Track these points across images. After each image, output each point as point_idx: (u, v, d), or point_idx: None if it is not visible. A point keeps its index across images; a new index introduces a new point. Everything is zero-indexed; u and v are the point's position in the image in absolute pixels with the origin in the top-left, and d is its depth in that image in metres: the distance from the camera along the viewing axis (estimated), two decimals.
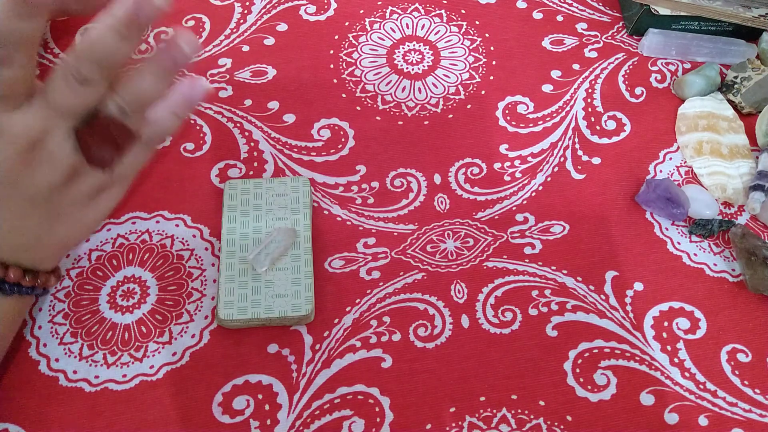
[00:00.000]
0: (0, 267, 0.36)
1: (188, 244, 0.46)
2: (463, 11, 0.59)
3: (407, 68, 0.56)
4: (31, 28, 0.31)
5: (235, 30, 0.57)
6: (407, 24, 0.58)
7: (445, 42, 0.57)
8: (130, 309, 0.44)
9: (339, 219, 0.48)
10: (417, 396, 0.42)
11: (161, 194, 0.48)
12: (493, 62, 0.56)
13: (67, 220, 0.38)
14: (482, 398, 0.42)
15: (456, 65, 0.56)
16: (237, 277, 0.43)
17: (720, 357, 0.44)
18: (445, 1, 0.60)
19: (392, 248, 0.47)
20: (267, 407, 0.41)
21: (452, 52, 0.57)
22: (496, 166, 0.51)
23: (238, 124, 0.52)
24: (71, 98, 0.33)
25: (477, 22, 0.59)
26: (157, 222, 0.47)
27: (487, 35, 0.58)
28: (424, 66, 0.56)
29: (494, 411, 0.41)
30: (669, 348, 0.44)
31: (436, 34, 0.58)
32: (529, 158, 0.51)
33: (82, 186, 0.36)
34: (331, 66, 0.55)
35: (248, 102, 0.53)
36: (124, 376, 0.41)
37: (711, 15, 0.56)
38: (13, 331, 0.40)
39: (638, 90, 0.55)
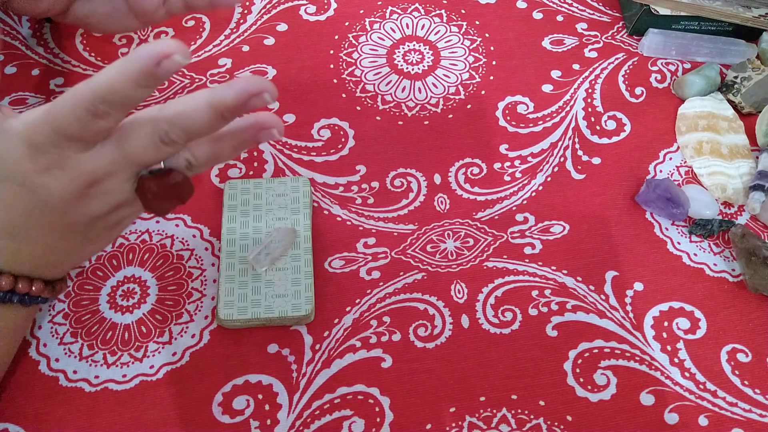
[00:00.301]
0: (26, 282, 0.37)
1: (188, 244, 0.46)
2: (463, 11, 0.59)
3: (407, 68, 0.56)
4: (143, 95, 0.31)
5: (235, 30, 0.57)
6: (407, 24, 0.58)
7: (445, 42, 0.57)
8: (130, 309, 0.44)
9: (339, 219, 0.48)
10: (417, 396, 0.42)
11: None
12: (493, 62, 0.56)
13: (96, 241, 0.38)
14: (482, 398, 0.42)
15: (456, 65, 0.56)
16: (237, 277, 0.43)
17: (720, 357, 0.44)
18: (445, 1, 0.60)
19: (392, 248, 0.47)
20: (267, 407, 0.41)
21: (452, 52, 0.57)
22: (496, 166, 0.51)
23: None
24: (149, 154, 0.33)
25: (477, 22, 0.59)
26: (157, 222, 0.47)
27: (487, 35, 0.58)
28: (424, 66, 0.56)
29: (494, 411, 0.41)
30: (669, 348, 0.44)
31: (436, 34, 0.58)
32: (529, 158, 0.51)
33: (119, 214, 0.36)
34: (331, 66, 0.55)
35: None
36: (124, 376, 0.41)
37: (711, 15, 0.56)
38: (22, 336, 0.41)
39: (638, 90, 0.55)
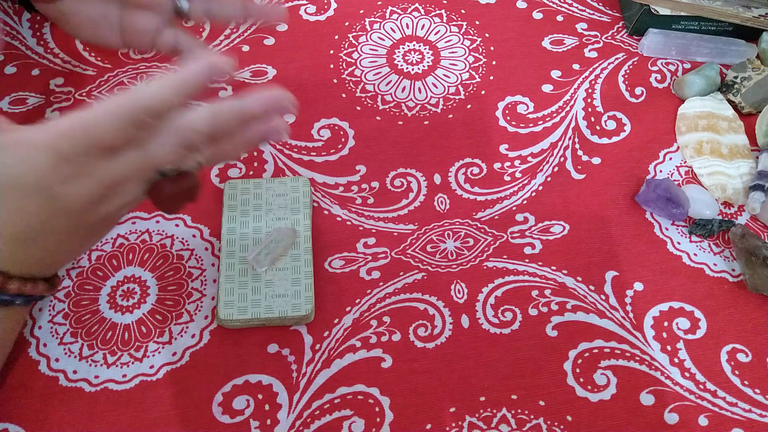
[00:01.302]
0: (29, 282, 0.36)
1: (188, 244, 0.46)
2: (463, 11, 0.59)
3: (407, 68, 0.56)
4: (181, 103, 0.33)
5: (235, 30, 0.57)
6: (407, 24, 0.58)
7: (445, 42, 0.57)
8: (130, 309, 0.44)
9: (339, 219, 0.48)
10: (417, 396, 0.42)
11: None
12: (493, 62, 0.56)
13: (97, 236, 0.39)
14: (482, 398, 0.42)
15: (456, 65, 0.56)
16: (237, 277, 0.43)
17: (720, 357, 0.44)
18: (445, 1, 0.60)
19: (392, 248, 0.47)
20: (267, 407, 0.41)
21: (452, 52, 0.57)
22: (496, 166, 0.51)
23: None
24: (173, 158, 0.35)
25: (477, 22, 0.59)
26: (157, 222, 0.47)
27: (487, 35, 0.58)
28: (424, 66, 0.56)
29: (494, 411, 0.41)
30: (669, 348, 0.44)
31: (436, 34, 0.58)
32: (529, 158, 0.51)
33: (123, 211, 0.37)
34: (331, 66, 0.55)
35: None
36: (124, 376, 0.41)
37: (711, 15, 0.56)
38: (17, 334, 0.41)
39: (638, 90, 0.55)
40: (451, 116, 0.53)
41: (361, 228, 0.48)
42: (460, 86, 0.55)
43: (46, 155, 0.32)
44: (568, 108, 0.54)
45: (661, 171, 0.51)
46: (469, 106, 0.54)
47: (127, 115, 0.32)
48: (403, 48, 0.57)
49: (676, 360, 0.43)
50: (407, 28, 0.58)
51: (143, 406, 0.40)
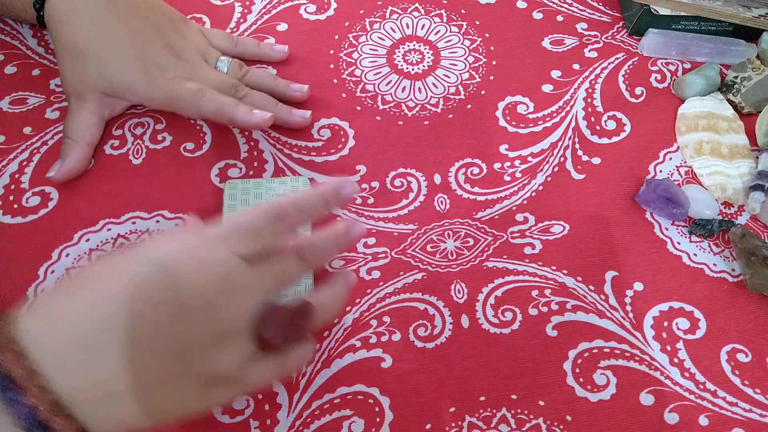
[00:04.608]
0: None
1: None
2: (463, 11, 0.59)
3: (407, 68, 0.56)
4: (320, 212, 0.37)
5: (235, 30, 0.57)
6: (407, 24, 0.58)
7: (445, 42, 0.57)
8: None
9: (339, 219, 0.48)
10: (417, 396, 0.42)
11: (161, 194, 0.48)
12: (493, 62, 0.56)
13: (178, 392, 0.32)
14: (482, 398, 0.42)
15: (456, 65, 0.56)
16: None
17: (720, 357, 0.44)
18: (445, 1, 0.60)
19: (392, 248, 0.47)
20: (267, 407, 0.41)
21: (452, 52, 0.57)
22: (496, 166, 0.51)
23: None
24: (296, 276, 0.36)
25: (477, 22, 0.59)
26: (157, 222, 0.47)
27: (487, 35, 0.58)
28: (424, 66, 0.56)
29: (494, 411, 0.41)
30: (669, 348, 0.44)
31: (436, 34, 0.58)
32: (529, 158, 0.51)
33: (216, 366, 0.32)
34: (331, 66, 0.55)
35: None
36: None
37: (711, 15, 0.56)
38: None
39: (638, 90, 0.55)
40: (451, 116, 0.53)
41: None
42: (460, 86, 0.55)
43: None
44: (568, 108, 0.54)
45: (661, 171, 0.51)
46: (469, 106, 0.54)
47: (275, 210, 0.34)
48: (403, 48, 0.57)
49: (675, 360, 0.43)
50: (407, 28, 0.58)
51: None
